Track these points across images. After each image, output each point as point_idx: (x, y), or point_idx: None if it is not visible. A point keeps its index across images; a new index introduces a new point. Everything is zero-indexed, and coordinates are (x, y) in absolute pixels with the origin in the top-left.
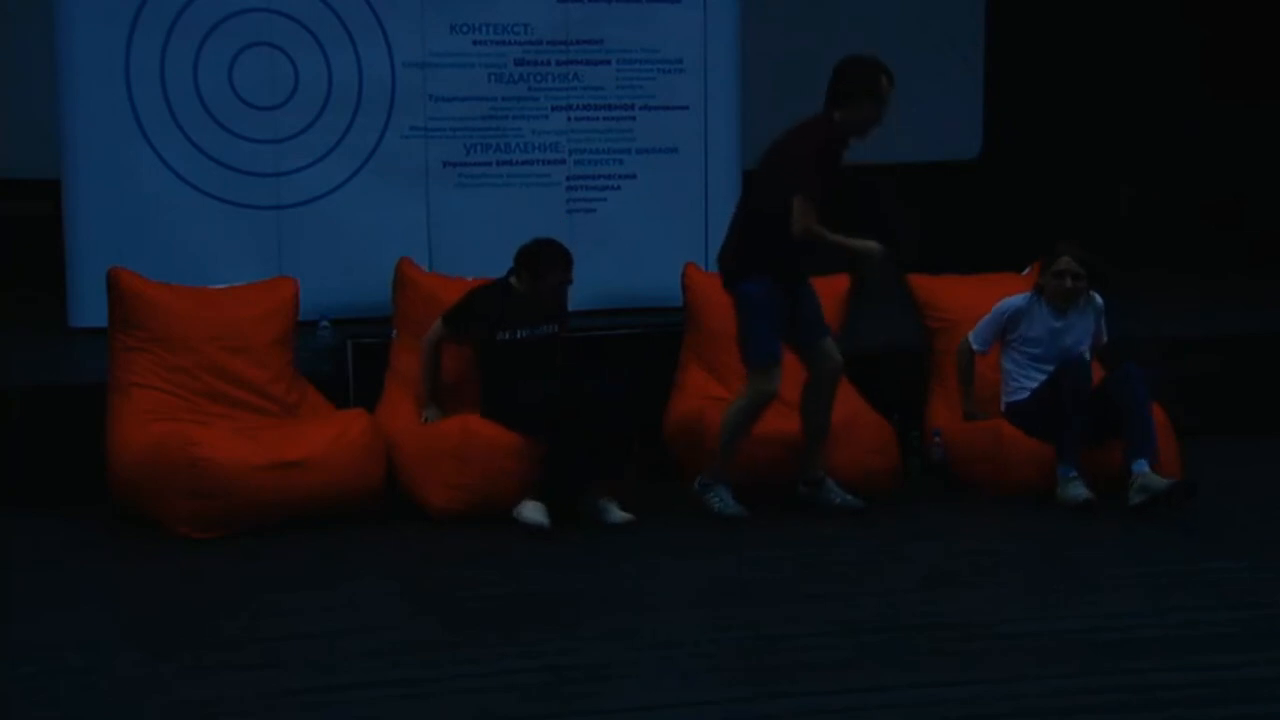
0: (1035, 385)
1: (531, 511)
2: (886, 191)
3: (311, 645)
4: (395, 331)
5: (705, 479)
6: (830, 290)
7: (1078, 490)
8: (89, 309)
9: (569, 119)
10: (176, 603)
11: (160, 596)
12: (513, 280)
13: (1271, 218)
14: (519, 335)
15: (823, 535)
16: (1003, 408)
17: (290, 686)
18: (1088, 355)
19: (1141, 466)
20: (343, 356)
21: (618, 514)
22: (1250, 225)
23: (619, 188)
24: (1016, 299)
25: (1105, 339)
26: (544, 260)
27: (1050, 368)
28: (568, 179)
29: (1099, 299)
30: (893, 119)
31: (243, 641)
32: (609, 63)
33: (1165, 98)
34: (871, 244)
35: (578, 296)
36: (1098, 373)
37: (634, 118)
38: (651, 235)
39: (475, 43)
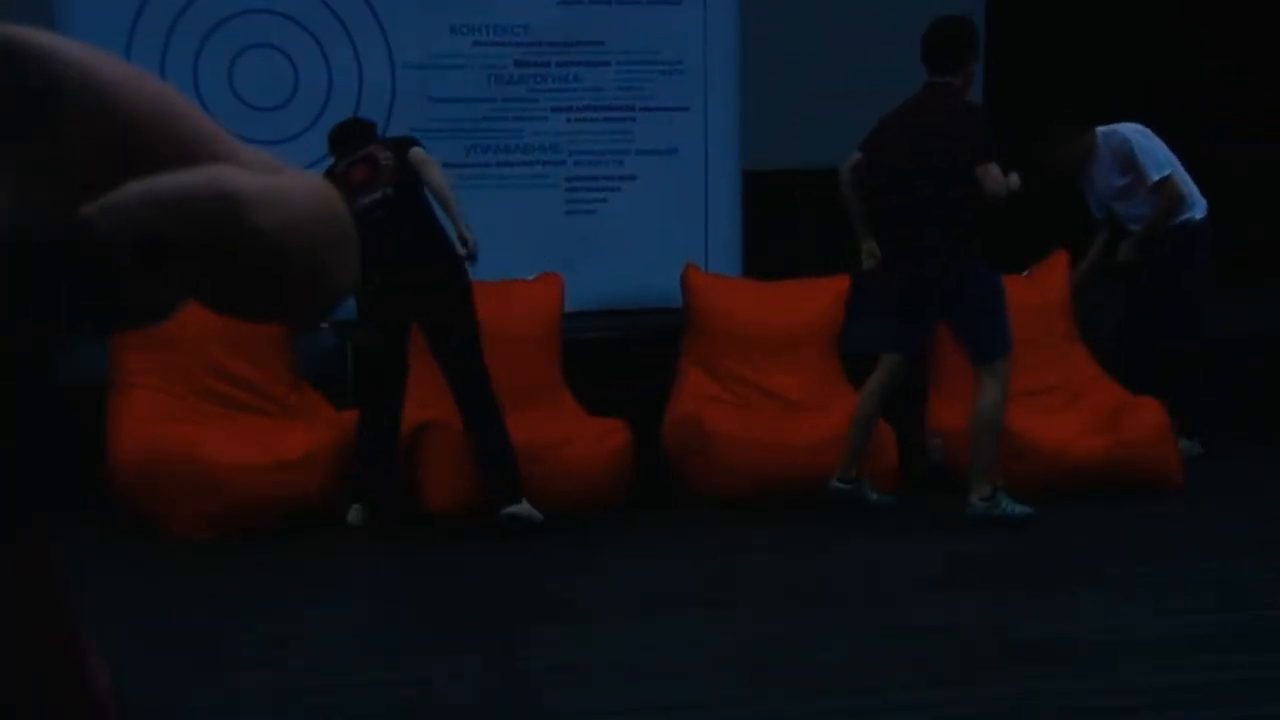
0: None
1: (353, 515)
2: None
3: (312, 645)
4: None
5: (982, 496)
6: (829, 291)
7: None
8: None
9: (569, 120)
10: (176, 602)
11: (160, 596)
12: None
13: (1270, 217)
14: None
15: (822, 537)
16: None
17: (292, 686)
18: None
19: None
20: (342, 357)
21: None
22: (1250, 225)
23: (619, 189)
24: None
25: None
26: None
27: None
28: (567, 180)
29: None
30: None
31: (243, 641)
32: (609, 64)
33: (1165, 97)
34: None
35: (577, 297)
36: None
37: (634, 119)
38: (651, 236)
39: (475, 44)
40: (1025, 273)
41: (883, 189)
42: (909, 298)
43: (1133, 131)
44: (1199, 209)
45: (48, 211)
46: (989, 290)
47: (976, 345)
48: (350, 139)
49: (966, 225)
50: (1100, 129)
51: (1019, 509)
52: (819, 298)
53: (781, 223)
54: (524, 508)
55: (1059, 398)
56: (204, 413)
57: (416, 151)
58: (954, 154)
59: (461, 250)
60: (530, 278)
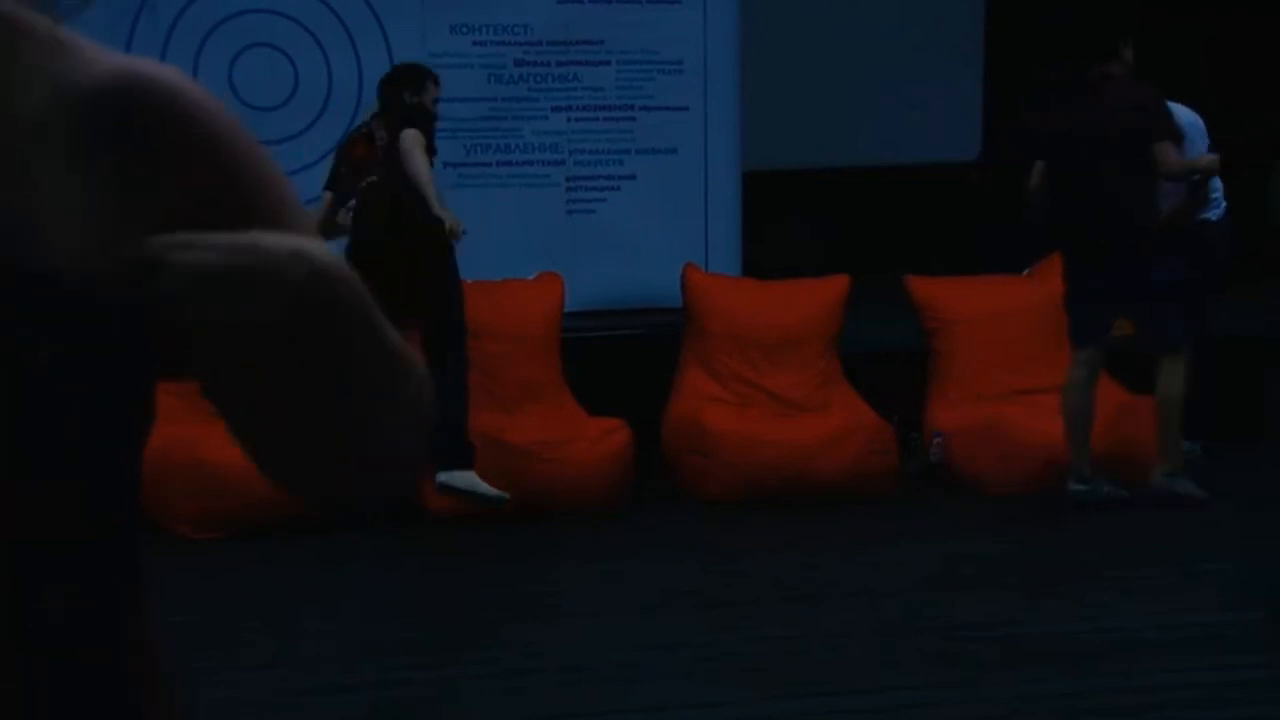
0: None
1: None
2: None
3: (311, 645)
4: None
5: (1168, 470)
6: (829, 291)
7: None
8: None
9: (569, 119)
10: (177, 603)
11: (160, 597)
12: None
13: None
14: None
15: (822, 537)
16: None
17: (292, 686)
18: None
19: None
20: None
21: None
22: (1247, 226)
23: (619, 188)
24: None
25: None
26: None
27: None
28: (567, 179)
29: None
30: (893, 120)
31: (245, 641)
32: (609, 64)
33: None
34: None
35: (577, 297)
36: None
37: (634, 118)
38: (651, 236)
39: (475, 43)
40: (1025, 272)
41: (1060, 184)
42: (1092, 288)
43: (1185, 120)
44: (1216, 212)
45: (112, 254)
46: (1167, 280)
47: (1153, 334)
48: (382, 89)
49: (1141, 212)
50: None
51: (1196, 492)
52: (819, 298)
53: (781, 223)
54: (461, 476)
55: (1059, 397)
56: (205, 412)
57: (406, 135)
58: (1126, 136)
59: (452, 239)
60: (530, 278)
